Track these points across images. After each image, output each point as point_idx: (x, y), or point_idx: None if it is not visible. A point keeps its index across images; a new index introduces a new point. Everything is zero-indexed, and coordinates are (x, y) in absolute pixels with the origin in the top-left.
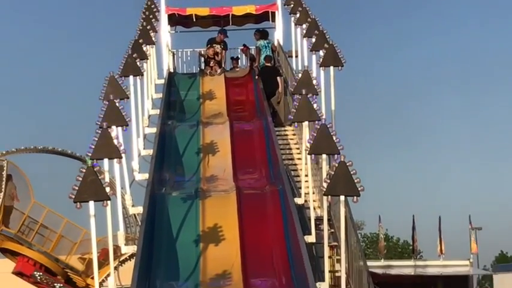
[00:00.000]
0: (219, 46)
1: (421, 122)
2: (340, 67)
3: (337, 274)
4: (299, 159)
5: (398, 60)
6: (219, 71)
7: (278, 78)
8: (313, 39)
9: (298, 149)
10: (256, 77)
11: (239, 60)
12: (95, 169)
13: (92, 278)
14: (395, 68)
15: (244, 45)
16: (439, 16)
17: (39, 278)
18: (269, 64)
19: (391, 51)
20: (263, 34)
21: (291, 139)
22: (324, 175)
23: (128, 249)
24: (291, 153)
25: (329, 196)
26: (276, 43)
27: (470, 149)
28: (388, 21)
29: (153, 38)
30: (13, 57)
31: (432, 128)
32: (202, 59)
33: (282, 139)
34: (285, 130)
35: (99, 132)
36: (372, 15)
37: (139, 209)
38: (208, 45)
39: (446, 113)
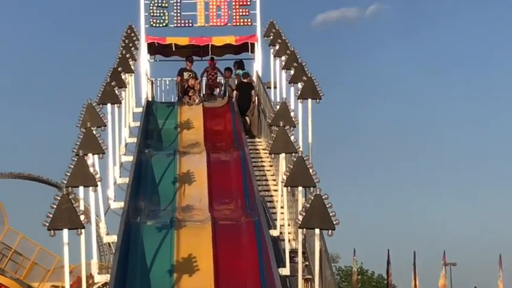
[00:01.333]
0: (189, 74)
1: (398, 156)
2: (318, 100)
3: None
4: (275, 190)
5: (378, 92)
6: (197, 100)
7: (252, 91)
8: (292, 72)
9: (274, 180)
10: (234, 99)
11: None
12: (69, 197)
13: None
14: (375, 99)
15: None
16: (419, 47)
17: None
18: (246, 80)
19: (369, 84)
20: (240, 64)
21: (268, 170)
22: (300, 207)
23: (101, 278)
24: (267, 185)
25: (304, 229)
26: (254, 74)
27: (444, 185)
28: (368, 52)
29: (132, 67)
30: None
31: (409, 162)
32: (179, 87)
33: (258, 170)
34: (256, 143)
35: (75, 159)
36: (353, 46)
37: (114, 238)
38: (179, 74)
39: (425, 146)
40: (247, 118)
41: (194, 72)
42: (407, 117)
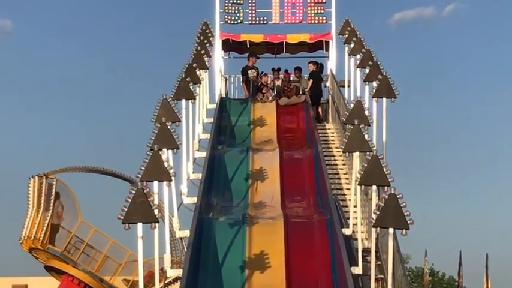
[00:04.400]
0: (253, 70)
1: (473, 157)
2: (393, 99)
3: None
4: (348, 189)
5: (453, 93)
6: (270, 97)
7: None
8: (367, 70)
9: (347, 178)
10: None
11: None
12: (144, 191)
13: None
14: (450, 101)
15: (286, 71)
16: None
17: None
18: (315, 69)
19: (445, 84)
20: (316, 64)
21: (341, 168)
22: (373, 206)
23: (173, 273)
24: (340, 183)
25: (377, 228)
26: (328, 72)
27: None
28: (445, 51)
29: (207, 63)
30: (66, 76)
31: (484, 164)
32: (251, 85)
33: (331, 168)
34: (325, 128)
35: (150, 154)
36: (427, 46)
37: (186, 233)
38: (243, 73)
39: (499, 148)
40: (319, 108)
41: (257, 68)
42: (482, 117)
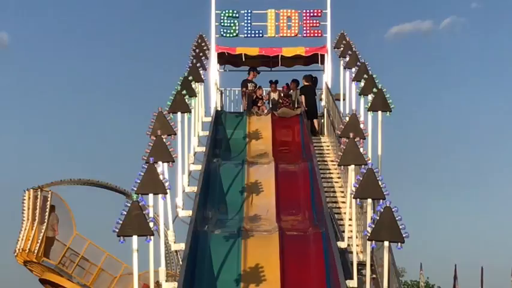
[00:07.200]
0: (252, 84)
1: (468, 171)
2: (388, 112)
3: None
4: (343, 202)
5: (450, 106)
6: (266, 111)
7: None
8: (362, 83)
9: (342, 192)
10: (303, 102)
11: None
12: (139, 204)
13: None
14: (446, 114)
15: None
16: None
17: None
18: (308, 83)
19: (440, 95)
20: (313, 79)
21: (336, 182)
22: (369, 220)
23: (168, 286)
24: (335, 196)
25: (373, 241)
26: (324, 85)
27: None
28: (438, 64)
29: (202, 76)
30: (62, 89)
31: (479, 177)
32: (247, 98)
33: (326, 181)
34: (320, 141)
35: (145, 167)
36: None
37: (182, 246)
38: (243, 85)
39: (495, 161)
40: (315, 121)
41: (255, 83)
42: (478, 131)
